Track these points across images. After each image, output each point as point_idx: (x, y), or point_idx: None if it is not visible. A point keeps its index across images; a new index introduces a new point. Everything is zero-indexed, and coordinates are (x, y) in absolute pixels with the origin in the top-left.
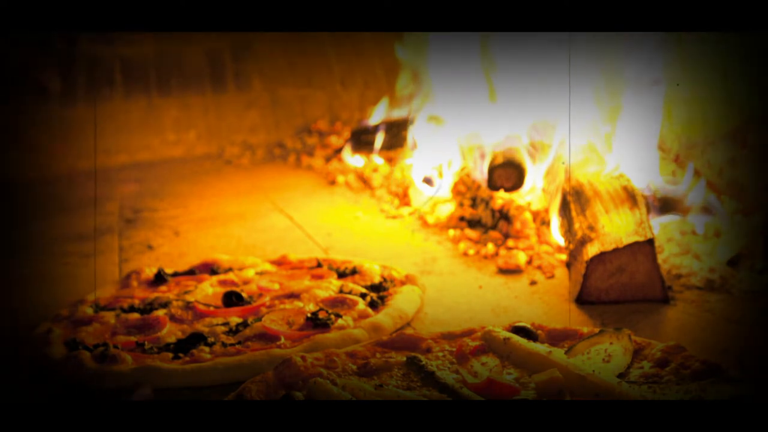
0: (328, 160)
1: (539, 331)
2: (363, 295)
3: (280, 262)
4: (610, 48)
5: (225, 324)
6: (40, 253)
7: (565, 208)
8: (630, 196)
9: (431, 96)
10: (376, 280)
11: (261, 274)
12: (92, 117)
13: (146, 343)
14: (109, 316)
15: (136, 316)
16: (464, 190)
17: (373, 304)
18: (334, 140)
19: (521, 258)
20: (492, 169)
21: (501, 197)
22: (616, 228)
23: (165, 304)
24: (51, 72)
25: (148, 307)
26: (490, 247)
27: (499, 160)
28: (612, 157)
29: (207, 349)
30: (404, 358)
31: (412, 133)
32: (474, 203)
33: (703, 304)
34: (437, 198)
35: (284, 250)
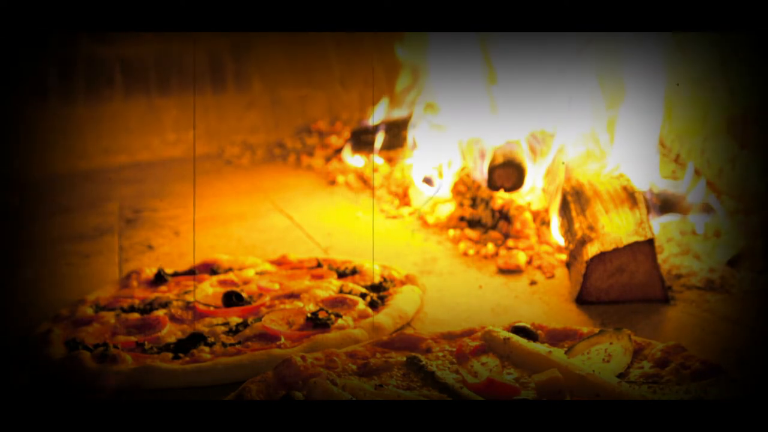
0: (328, 160)
1: (539, 331)
2: (363, 295)
3: (280, 262)
4: (610, 48)
5: (225, 324)
6: (41, 253)
7: (565, 208)
8: (630, 196)
9: (431, 96)
10: (376, 280)
11: (261, 274)
12: (92, 117)
13: (146, 343)
14: (109, 316)
15: (136, 316)
16: (464, 190)
17: (373, 304)
18: (334, 140)
19: (521, 258)
20: (492, 169)
21: (501, 197)
22: (616, 228)
23: (165, 304)
24: (51, 72)
25: (148, 307)
26: (490, 247)
27: (499, 160)
28: (612, 157)
29: (207, 349)
30: (404, 358)
31: (412, 133)
32: (474, 203)
33: (703, 304)
34: (437, 198)
35: (284, 250)
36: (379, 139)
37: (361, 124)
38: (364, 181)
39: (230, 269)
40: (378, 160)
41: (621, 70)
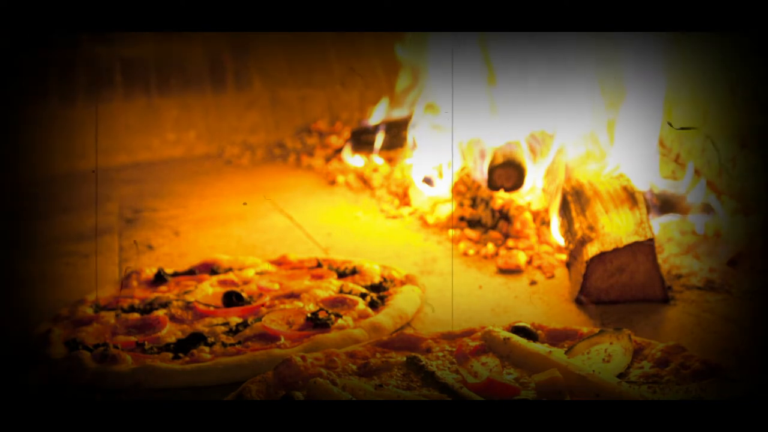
0: (328, 160)
1: (539, 331)
2: (363, 295)
3: (280, 262)
4: (610, 49)
5: (225, 324)
6: (41, 253)
7: (565, 208)
8: (630, 196)
9: (431, 96)
10: (376, 280)
11: (261, 274)
12: (92, 117)
13: (146, 343)
14: (109, 316)
15: (136, 316)
16: (464, 190)
17: (373, 304)
18: (334, 140)
19: (521, 258)
20: (492, 169)
21: (501, 197)
22: (616, 228)
23: (165, 304)
24: (51, 72)
25: (148, 307)
26: (490, 247)
27: (499, 159)
28: (612, 157)
29: (207, 349)
30: (404, 358)
31: (412, 133)
32: (474, 203)
33: (703, 304)
34: (437, 198)
35: (284, 250)
36: (379, 139)
37: (361, 124)
38: (364, 181)
39: (230, 269)
40: (378, 160)
41: (621, 71)
